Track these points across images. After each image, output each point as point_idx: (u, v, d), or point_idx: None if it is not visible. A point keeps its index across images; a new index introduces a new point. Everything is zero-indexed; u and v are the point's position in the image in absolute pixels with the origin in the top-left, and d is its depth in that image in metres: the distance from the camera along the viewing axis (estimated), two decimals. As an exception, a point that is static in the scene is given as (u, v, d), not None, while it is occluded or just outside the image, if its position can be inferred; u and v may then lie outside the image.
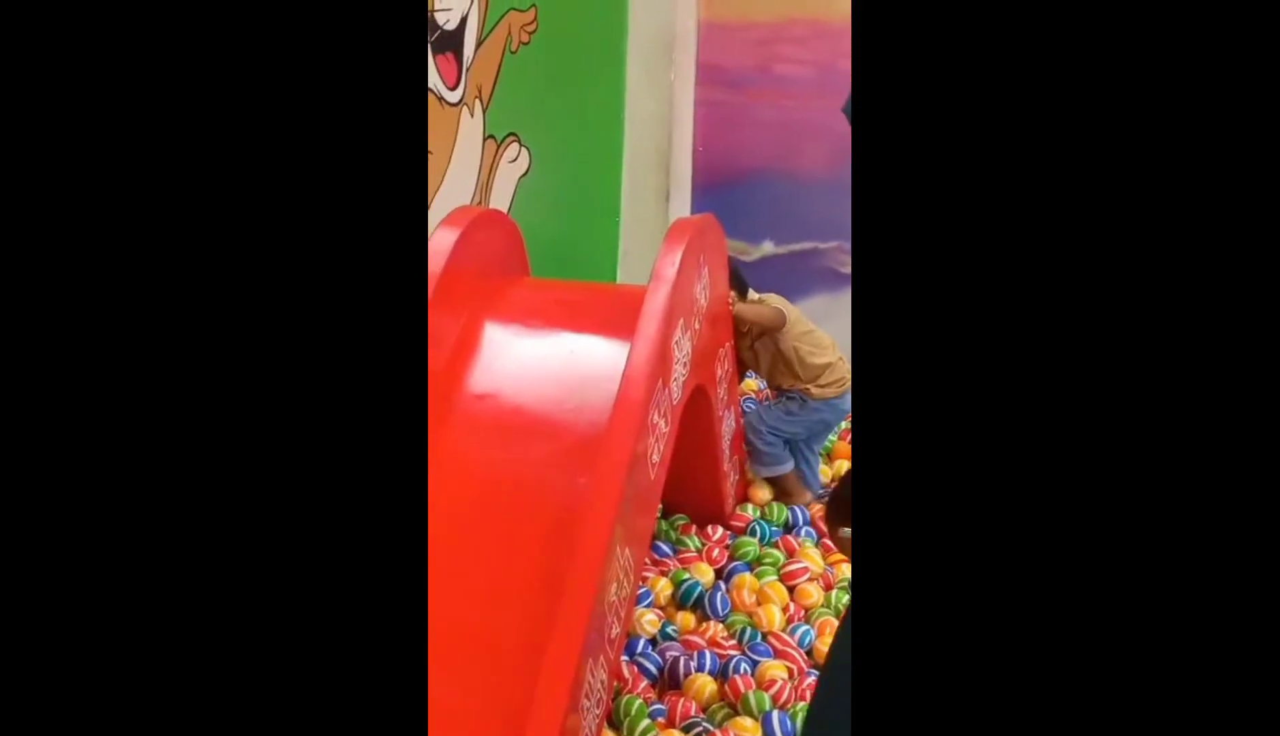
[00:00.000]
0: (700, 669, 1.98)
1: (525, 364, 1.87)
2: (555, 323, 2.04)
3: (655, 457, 1.70)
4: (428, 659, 0.85)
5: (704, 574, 2.29)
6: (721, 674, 1.98)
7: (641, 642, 2.07)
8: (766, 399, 2.81)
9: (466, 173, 2.78)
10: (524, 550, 1.59)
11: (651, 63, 3.19)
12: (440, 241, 1.79)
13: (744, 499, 2.58)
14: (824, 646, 1.99)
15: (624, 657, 1.93)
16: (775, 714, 1.83)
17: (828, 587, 2.27)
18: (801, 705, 1.83)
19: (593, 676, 1.45)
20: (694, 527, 2.46)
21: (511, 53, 2.81)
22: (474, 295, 1.84)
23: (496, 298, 1.94)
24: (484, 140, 2.80)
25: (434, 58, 2.55)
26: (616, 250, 3.27)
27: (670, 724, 1.88)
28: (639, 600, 2.11)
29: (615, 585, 1.51)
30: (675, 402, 1.80)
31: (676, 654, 2.03)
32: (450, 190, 2.72)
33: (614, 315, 1.91)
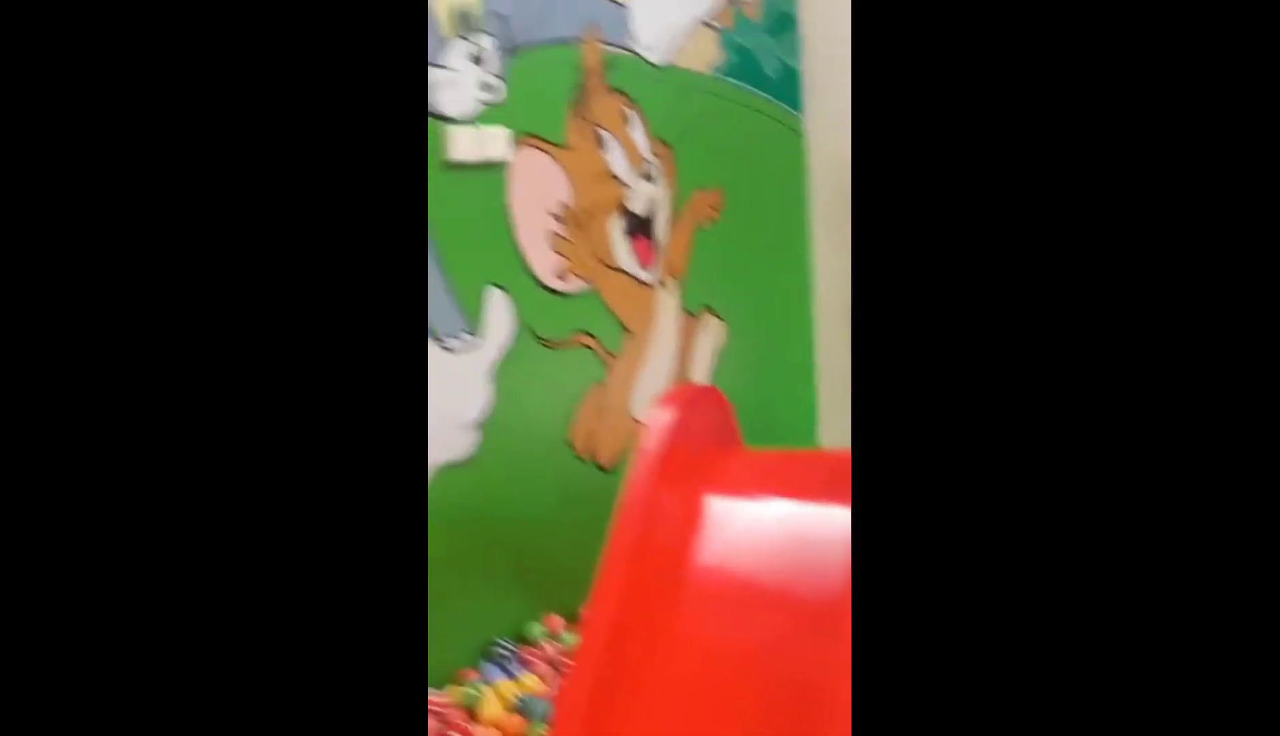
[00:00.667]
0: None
1: (748, 534, 1.85)
2: (770, 490, 2.02)
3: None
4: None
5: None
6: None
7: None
8: None
9: (666, 347, 2.84)
10: (773, 720, 1.54)
11: (834, 219, 3.24)
12: (659, 418, 1.82)
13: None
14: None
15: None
16: None
17: None
18: None
19: None
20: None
21: (702, 230, 2.91)
22: (692, 469, 1.86)
23: (713, 470, 1.95)
24: (681, 315, 2.88)
25: (629, 242, 2.66)
26: (814, 412, 3.25)
27: None
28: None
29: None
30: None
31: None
32: (653, 365, 2.78)
33: (825, 478, 1.89)
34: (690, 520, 1.84)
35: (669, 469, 1.77)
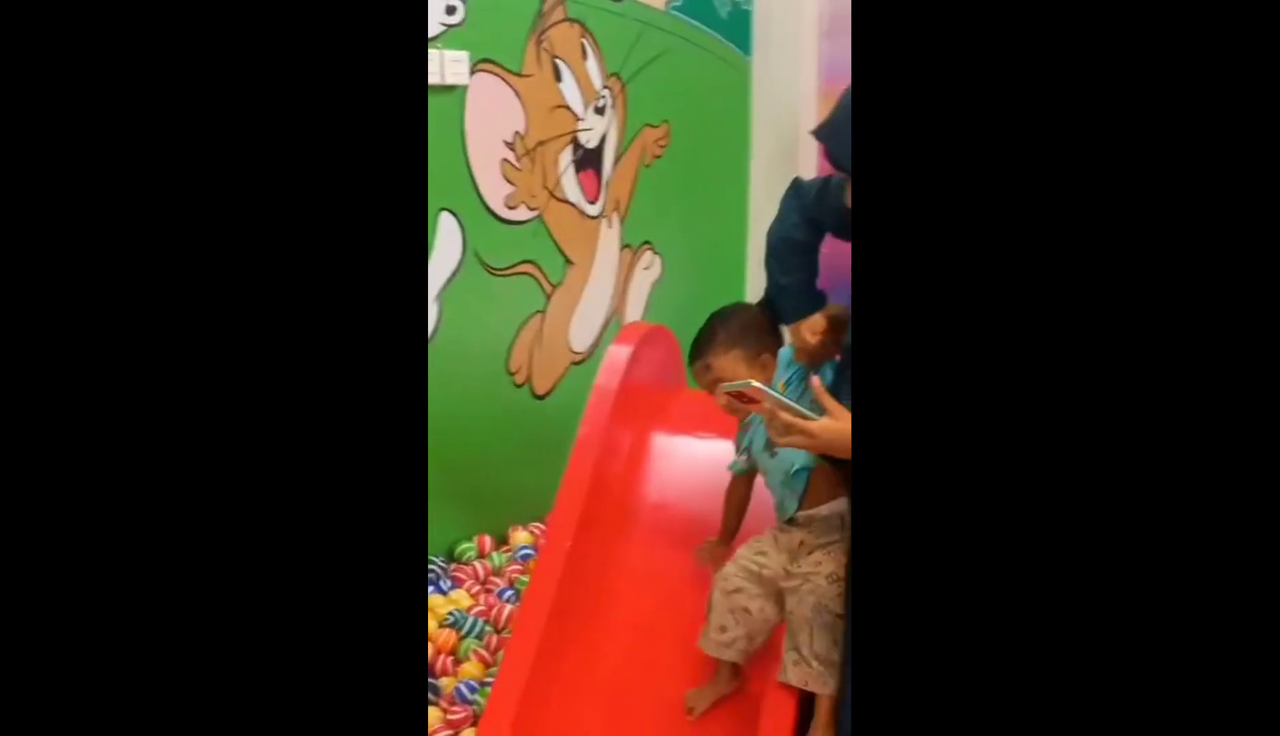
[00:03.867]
0: None
1: (692, 472, 1.94)
2: (717, 430, 2.11)
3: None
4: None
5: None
6: None
7: None
8: None
9: (605, 280, 2.89)
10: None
11: (774, 171, 3.30)
12: (614, 357, 1.88)
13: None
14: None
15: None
16: None
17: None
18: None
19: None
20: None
21: (646, 166, 2.94)
22: (643, 408, 1.93)
23: (662, 409, 2.02)
24: (620, 249, 2.92)
25: (577, 174, 2.68)
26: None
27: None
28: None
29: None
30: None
31: None
32: (591, 297, 2.83)
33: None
34: (637, 456, 1.92)
35: (621, 406, 1.83)
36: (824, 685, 1.49)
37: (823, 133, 1.31)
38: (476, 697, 2.01)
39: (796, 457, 1.57)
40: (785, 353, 1.64)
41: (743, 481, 1.81)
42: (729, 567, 1.62)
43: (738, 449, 1.76)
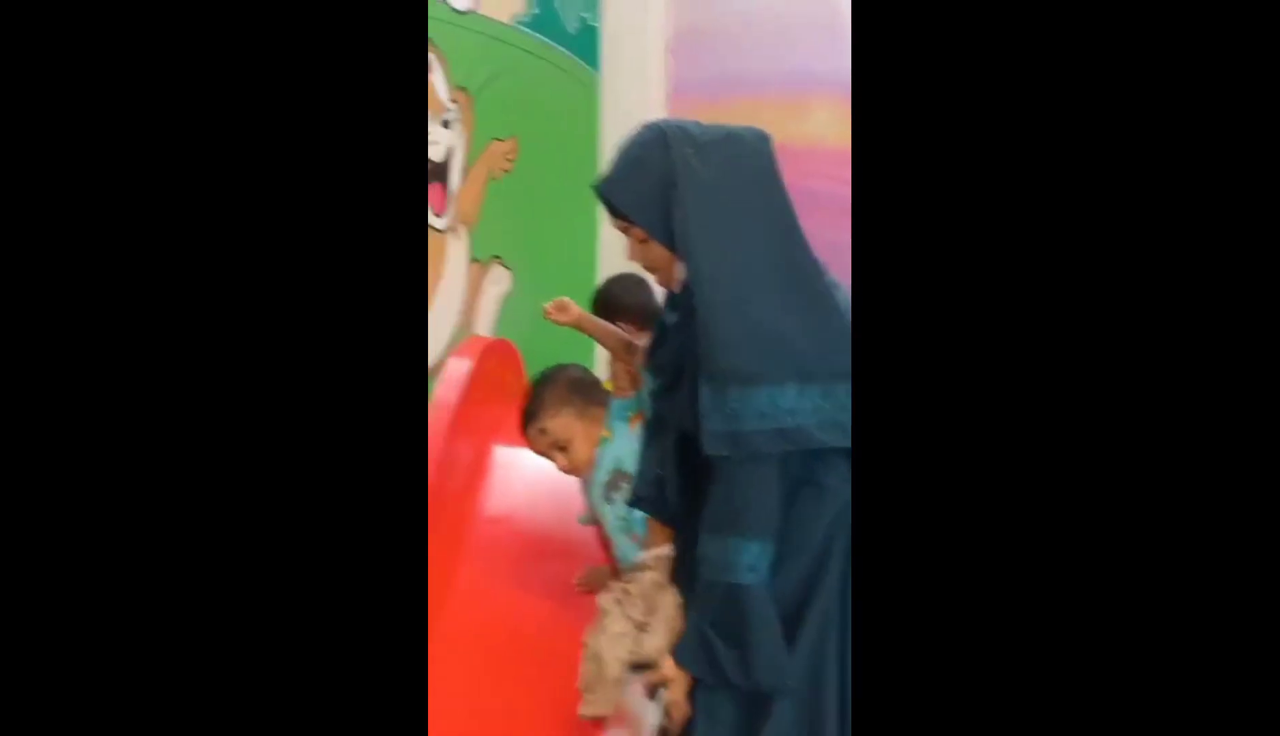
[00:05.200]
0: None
1: (534, 484, 1.93)
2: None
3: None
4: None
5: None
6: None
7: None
8: None
9: (453, 294, 2.87)
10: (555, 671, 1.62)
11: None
12: (454, 371, 1.87)
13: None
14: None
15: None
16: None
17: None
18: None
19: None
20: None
21: (494, 179, 2.94)
22: (483, 421, 1.92)
23: (503, 422, 2.01)
24: (469, 263, 2.91)
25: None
26: (592, 363, 3.37)
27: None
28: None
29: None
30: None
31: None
32: (439, 311, 2.81)
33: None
34: (478, 471, 1.91)
35: (460, 420, 1.82)
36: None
37: (603, 188, 1.35)
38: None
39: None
40: (615, 404, 1.69)
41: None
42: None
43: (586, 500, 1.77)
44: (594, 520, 1.76)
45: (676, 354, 1.30)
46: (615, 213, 1.34)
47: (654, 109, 3.29)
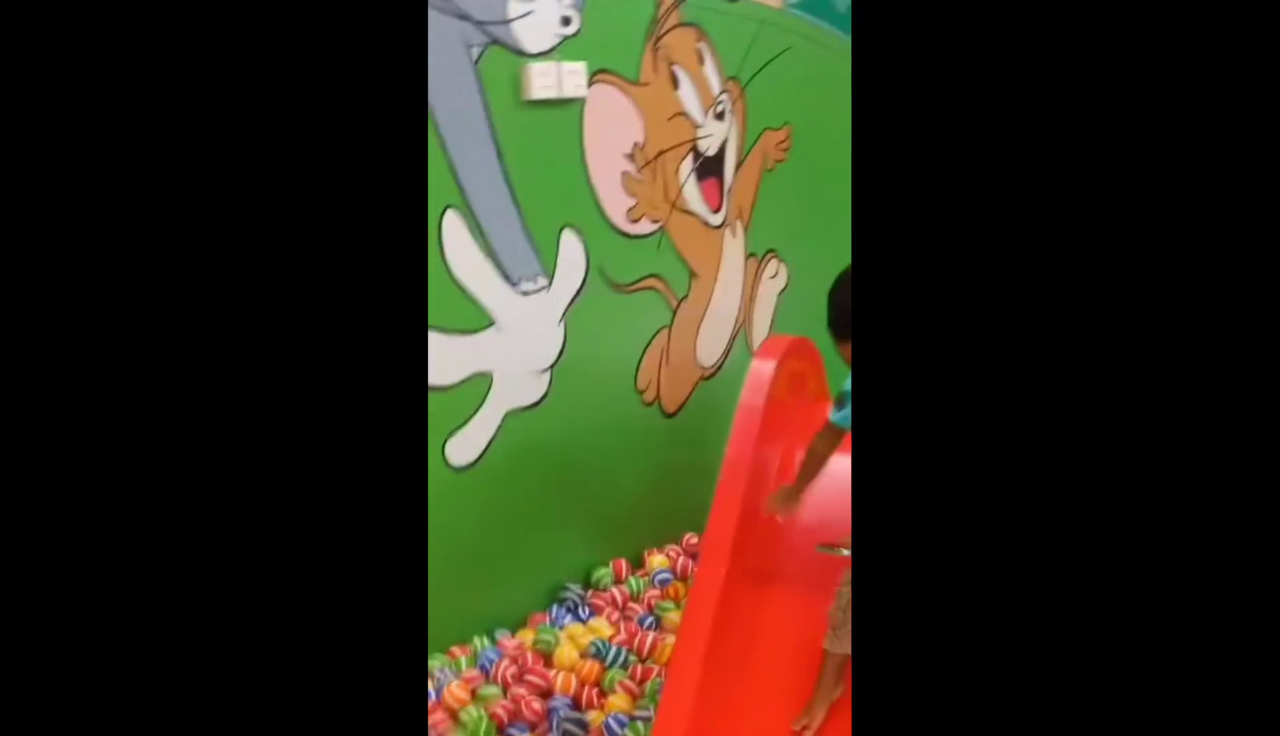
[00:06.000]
0: None
1: (843, 490, 1.82)
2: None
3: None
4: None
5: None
6: None
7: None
8: None
9: (731, 292, 2.80)
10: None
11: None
12: (759, 373, 1.78)
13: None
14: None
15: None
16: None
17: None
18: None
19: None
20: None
21: (768, 171, 2.84)
22: (788, 424, 1.83)
23: (808, 425, 1.91)
24: (745, 259, 2.82)
25: (698, 184, 2.59)
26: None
27: None
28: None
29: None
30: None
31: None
32: (718, 310, 2.74)
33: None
34: (787, 474, 1.81)
35: (768, 423, 1.73)
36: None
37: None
38: (626, 732, 1.93)
39: None
40: None
41: (836, 436, 1.70)
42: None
43: (840, 405, 1.64)
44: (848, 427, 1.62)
45: None
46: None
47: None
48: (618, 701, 2.03)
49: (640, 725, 1.94)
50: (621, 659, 2.16)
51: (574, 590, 2.42)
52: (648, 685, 2.07)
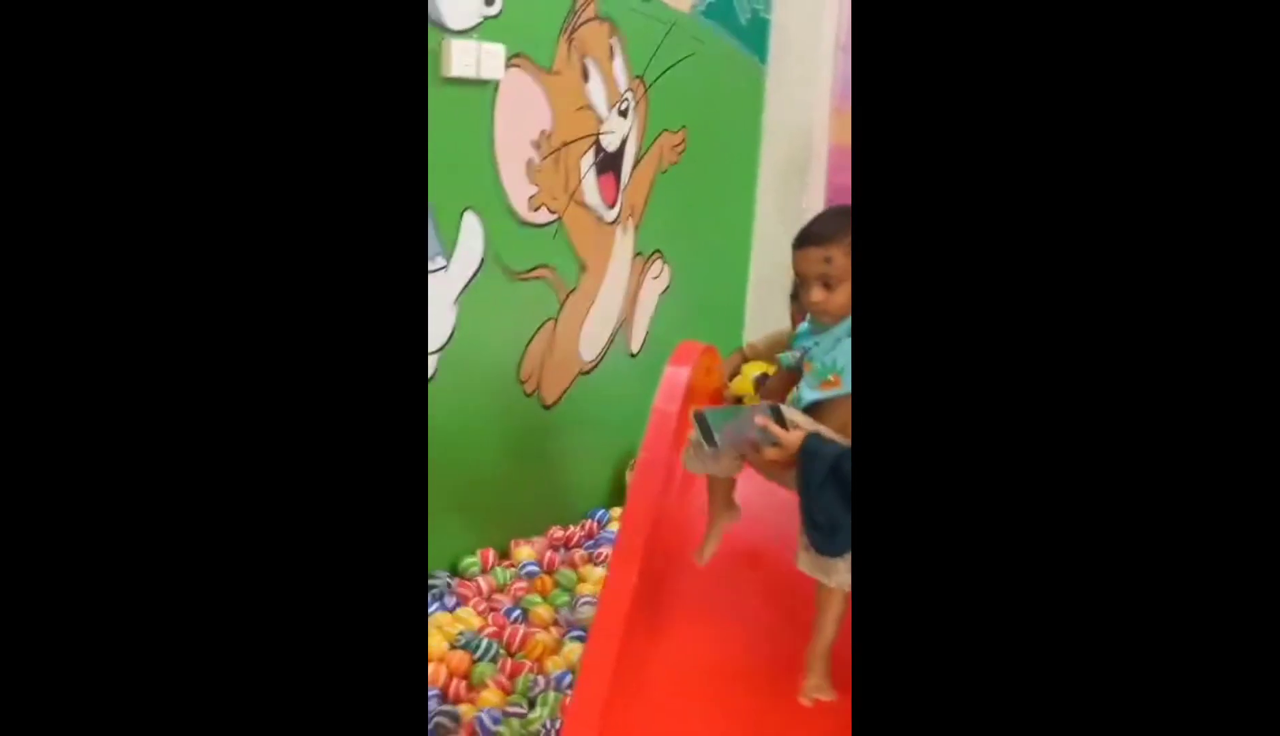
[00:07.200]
0: None
1: (751, 497, 1.85)
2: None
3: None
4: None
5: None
6: None
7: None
8: None
9: (617, 288, 2.80)
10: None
11: (783, 184, 3.24)
12: (673, 379, 1.79)
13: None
14: None
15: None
16: None
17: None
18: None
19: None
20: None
21: (662, 172, 2.86)
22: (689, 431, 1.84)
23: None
24: (633, 257, 2.83)
25: (597, 178, 2.58)
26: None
27: None
28: None
29: None
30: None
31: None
32: (603, 305, 2.74)
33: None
34: (690, 479, 1.83)
35: (681, 429, 1.74)
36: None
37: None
38: (500, 730, 1.91)
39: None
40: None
41: (785, 378, 1.73)
42: None
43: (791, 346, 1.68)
44: (794, 365, 1.67)
45: None
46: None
47: (819, 105, 3.20)
48: (490, 696, 2.00)
49: (515, 722, 1.92)
50: (492, 652, 2.13)
51: (442, 577, 2.37)
52: (519, 681, 2.05)
